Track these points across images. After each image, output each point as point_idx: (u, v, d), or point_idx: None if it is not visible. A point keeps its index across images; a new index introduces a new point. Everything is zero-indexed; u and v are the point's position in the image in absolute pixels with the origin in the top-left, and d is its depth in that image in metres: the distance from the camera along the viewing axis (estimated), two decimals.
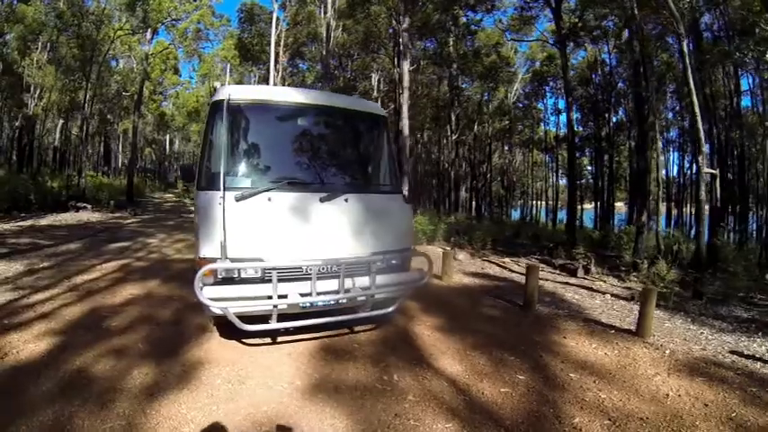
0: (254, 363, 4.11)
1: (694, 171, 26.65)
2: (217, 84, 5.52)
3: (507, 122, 32.37)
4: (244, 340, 4.50)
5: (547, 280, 8.68)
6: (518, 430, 3.20)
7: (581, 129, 30.69)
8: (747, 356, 4.85)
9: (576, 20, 20.30)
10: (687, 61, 11.32)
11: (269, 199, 4.03)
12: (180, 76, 41.81)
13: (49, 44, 23.74)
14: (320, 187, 4.39)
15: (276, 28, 21.34)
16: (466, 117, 29.77)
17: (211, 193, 3.94)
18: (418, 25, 20.72)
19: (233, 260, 3.79)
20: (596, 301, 7.34)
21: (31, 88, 24.73)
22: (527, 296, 6.33)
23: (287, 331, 4.42)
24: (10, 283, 6.44)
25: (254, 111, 4.55)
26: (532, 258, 12.10)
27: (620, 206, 34.45)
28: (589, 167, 34.77)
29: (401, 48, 17.39)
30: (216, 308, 3.62)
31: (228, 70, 33.89)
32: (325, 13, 19.49)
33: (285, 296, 3.81)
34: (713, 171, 16.56)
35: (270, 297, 3.72)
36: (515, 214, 40.08)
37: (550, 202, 37.71)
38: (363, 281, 4.19)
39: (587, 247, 12.89)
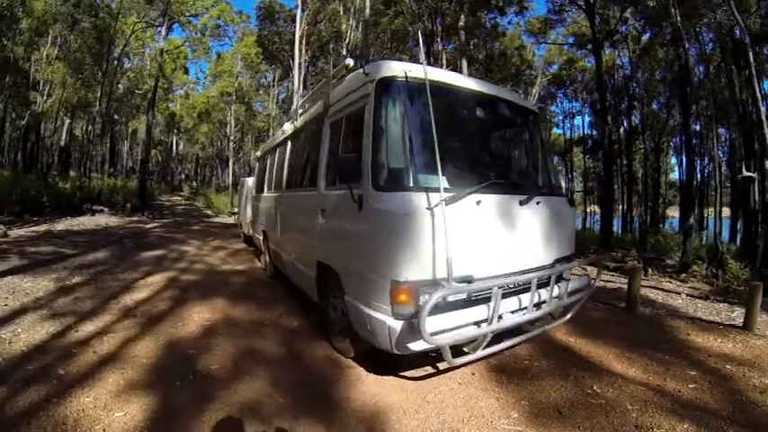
0: (442, 401, 3.23)
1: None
2: (350, 60, 4.15)
3: None
4: (401, 373, 3.60)
5: (614, 283, 8.25)
6: (737, 421, 3.03)
7: (594, 133, 29.79)
8: None
9: (615, 22, 19.33)
10: (752, 69, 10.49)
11: (478, 202, 3.20)
12: (188, 76, 39.98)
13: (59, 38, 21.88)
14: (515, 188, 3.72)
15: (300, 25, 19.81)
16: None
17: (406, 195, 3.02)
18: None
19: (437, 281, 2.93)
20: (678, 300, 7.12)
21: (40, 84, 22.89)
22: (630, 298, 6.10)
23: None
24: (44, 308, 4.89)
25: (434, 95, 3.31)
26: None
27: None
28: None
29: (438, 47, 16.14)
30: (434, 344, 2.80)
31: (238, 69, 32.21)
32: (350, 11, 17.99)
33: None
34: (753, 174, 15.46)
35: (483, 321, 3.07)
36: None
37: None
38: (554, 291, 3.60)
39: (625, 251, 12.89)
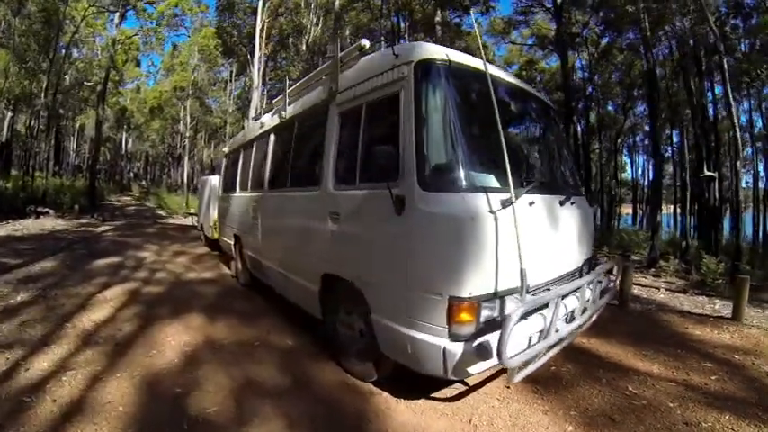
0: (491, 423, 2.91)
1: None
2: (365, 41, 3.60)
3: None
4: (432, 395, 3.21)
5: None
6: (751, 402, 3.20)
7: None
8: None
9: (580, 26, 19.70)
10: (726, 76, 10.91)
11: (531, 203, 2.88)
12: (140, 69, 37.39)
13: (2, 23, 19.62)
14: (554, 188, 3.51)
15: (261, 17, 18.79)
16: None
17: (467, 196, 2.59)
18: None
19: (499, 294, 2.61)
20: (660, 295, 7.42)
21: None
22: (623, 295, 6.11)
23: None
24: None
25: (475, 83, 3.07)
26: None
27: None
28: None
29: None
30: (513, 365, 2.44)
31: (195, 62, 30.40)
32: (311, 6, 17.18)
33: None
34: (712, 174, 16.06)
35: (541, 332, 2.73)
36: None
37: None
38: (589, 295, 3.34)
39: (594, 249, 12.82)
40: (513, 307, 2.55)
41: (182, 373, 3.41)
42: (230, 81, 33.17)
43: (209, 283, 6.99)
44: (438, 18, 14.17)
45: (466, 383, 3.38)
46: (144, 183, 45.81)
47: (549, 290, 2.96)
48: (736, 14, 16.86)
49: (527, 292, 2.59)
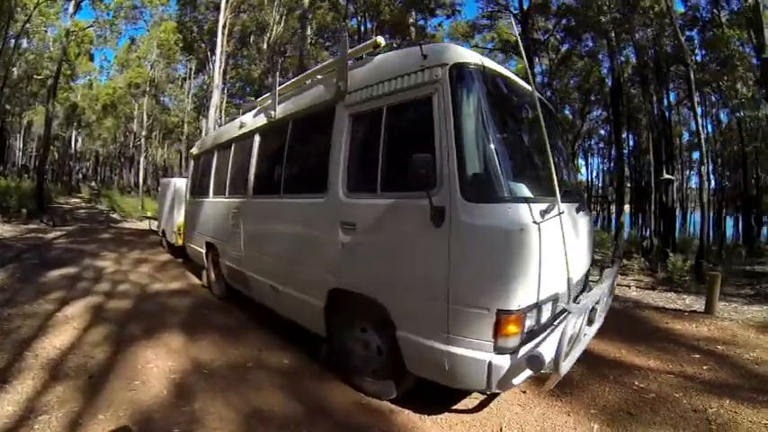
0: (521, 430, 2.90)
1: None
2: (380, 38, 3.44)
3: None
4: (453, 408, 3.14)
5: None
6: (757, 389, 3.45)
7: None
8: None
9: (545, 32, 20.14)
10: (693, 87, 11.27)
11: (561, 213, 2.68)
12: (93, 63, 34.95)
13: None
14: (571, 195, 3.44)
15: (224, 13, 17.99)
16: None
17: (513, 207, 2.48)
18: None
19: (539, 303, 2.60)
20: (633, 292, 7.67)
21: None
22: None
23: None
24: None
25: (507, 90, 3.19)
26: None
27: None
28: None
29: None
30: (564, 373, 2.40)
31: (153, 58, 28.77)
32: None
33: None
34: (671, 177, 16.75)
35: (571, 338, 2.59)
36: None
37: None
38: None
39: None
40: (568, 315, 2.56)
41: (175, 407, 2.97)
42: (189, 78, 31.71)
43: (179, 294, 6.43)
44: (412, 20, 13.94)
45: (483, 392, 3.21)
46: (94, 184, 43.32)
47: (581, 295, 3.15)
48: (691, 27, 17.68)
49: (554, 299, 2.71)
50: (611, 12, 14.47)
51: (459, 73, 2.69)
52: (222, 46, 17.98)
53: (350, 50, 3.45)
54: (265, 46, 23.59)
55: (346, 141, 3.31)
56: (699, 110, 23.33)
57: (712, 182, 21.99)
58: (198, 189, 7.31)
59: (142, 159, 33.16)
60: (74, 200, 31.69)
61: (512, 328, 2.46)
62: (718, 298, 6.09)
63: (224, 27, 18.71)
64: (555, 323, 2.81)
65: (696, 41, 18.71)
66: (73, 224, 16.10)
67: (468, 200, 2.50)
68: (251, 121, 5.24)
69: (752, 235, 18.53)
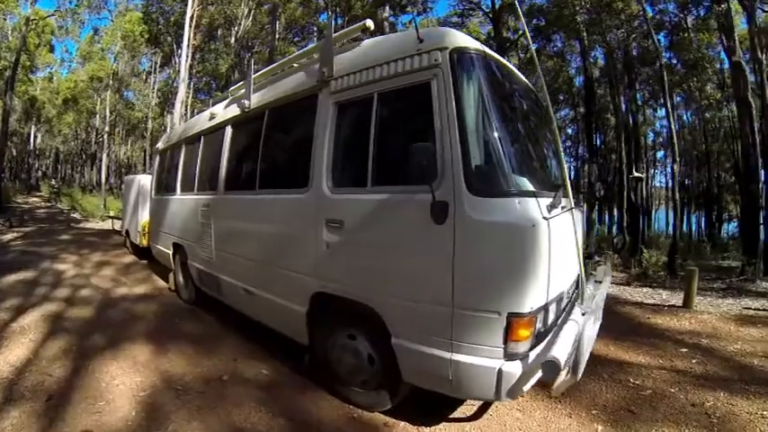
0: None
1: None
2: (369, 21, 3.13)
3: None
4: (451, 416, 2.98)
5: None
6: (745, 380, 3.54)
7: None
8: (755, 309, 6.12)
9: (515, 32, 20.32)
10: (666, 86, 11.48)
11: (572, 207, 2.64)
12: (54, 55, 33.05)
13: None
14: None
15: (191, 5, 17.30)
16: None
17: (522, 202, 2.31)
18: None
19: (548, 304, 2.47)
20: (609, 288, 8.35)
21: None
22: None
23: None
24: None
25: (507, 78, 3.07)
26: None
27: None
28: None
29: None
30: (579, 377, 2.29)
31: (117, 50, 27.43)
32: None
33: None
34: (641, 175, 17.11)
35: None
36: None
37: None
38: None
39: None
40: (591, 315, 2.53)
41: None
42: (154, 72, 30.49)
43: (145, 299, 5.98)
44: (386, 14, 13.70)
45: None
46: (54, 182, 41.32)
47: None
48: (658, 31, 18.22)
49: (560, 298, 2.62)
50: (584, 12, 14.66)
51: (461, 57, 2.48)
52: (189, 39, 17.28)
53: (335, 34, 3.19)
54: (233, 40, 22.94)
55: (331, 132, 3.04)
56: (664, 111, 24.36)
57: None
58: (164, 186, 6.85)
59: (104, 157, 31.75)
60: (33, 199, 30.18)
61: (523, 332, 2.29)
62: (695, 292, 6.25)
63: (191, 19, 18.04)
64: (559, 324, 2.67)
65: (663, 44, 19.27)
66: (31, 225, 15.20)
67: (474, 194, 2.28)
68: (222, 112, 4.89)
69: (713, 232, 19.16)
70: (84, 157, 44.99)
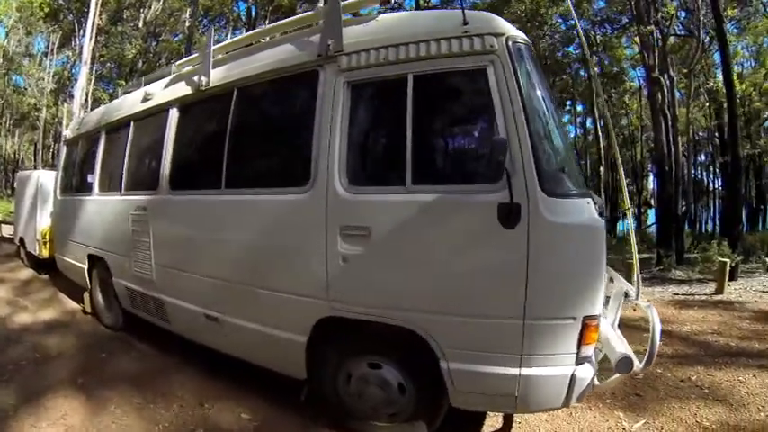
0: None
1: None
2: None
3: None
4: None
5: None
6: (702, 355, 4.12)
7: None
8: (684, 294, 7.06)
9: None
10: (595, 95, 12.23)
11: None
12: None
13: None
14: None
15: None
16: None
17: (588, 203, 2.22)
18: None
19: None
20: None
21: None
22: None
23: None
24: None
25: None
26: None
27: None
28: None
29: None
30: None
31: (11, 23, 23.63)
32: None
33: None
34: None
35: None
36: None
37: None
38: None
39: None
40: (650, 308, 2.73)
41: None
42: (52, 53, 26.67)
43: (57, 329, 4.74)
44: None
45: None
46: None
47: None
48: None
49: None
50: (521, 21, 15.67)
51: (517, 46, 2.30)
52: (95, 15, 15.11)
53: (344, 2, 2.72)
54: (141, 23, 20.85)
55: (344, 118, 2.54)
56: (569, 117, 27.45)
57: None
58: (74, 184, 5.66)
59: None
60: None
61: (594, 335, 2.26)
62: (726, 282, 7.17)
63: None
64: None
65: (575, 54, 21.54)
66: None
67: (549, 195, 2.11)
68: (162, 92, 3.99)
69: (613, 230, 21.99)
70: None
